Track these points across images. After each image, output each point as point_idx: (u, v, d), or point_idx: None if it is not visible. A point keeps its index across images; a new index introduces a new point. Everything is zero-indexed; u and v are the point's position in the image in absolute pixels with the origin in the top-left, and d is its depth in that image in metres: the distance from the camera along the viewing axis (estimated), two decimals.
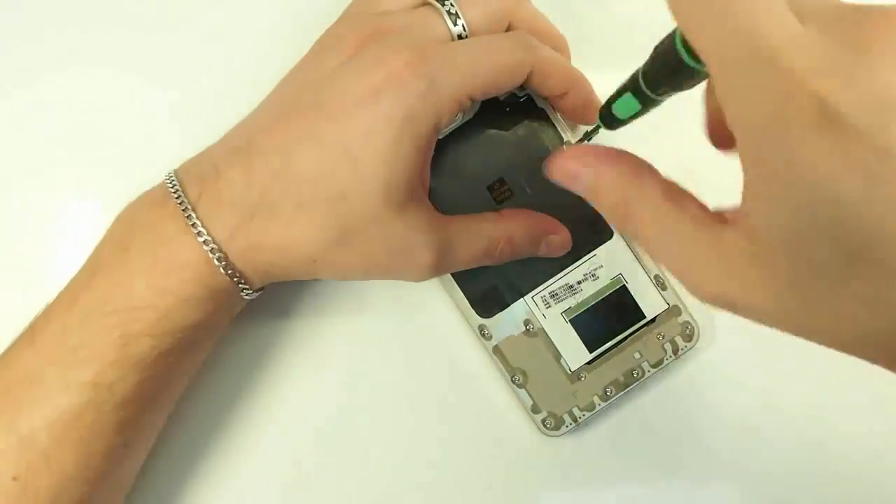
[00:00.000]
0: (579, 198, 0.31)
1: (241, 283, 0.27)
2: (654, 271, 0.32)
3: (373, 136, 0.25)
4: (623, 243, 0.32)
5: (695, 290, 0.20)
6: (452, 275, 0.31)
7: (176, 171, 0.27)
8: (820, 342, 0.19)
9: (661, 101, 0.23)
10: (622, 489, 0.33)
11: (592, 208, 0.31)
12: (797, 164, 0.16)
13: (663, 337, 0.32)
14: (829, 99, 0.16)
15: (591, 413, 0.31)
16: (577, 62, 0.30)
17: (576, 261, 0.31)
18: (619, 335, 0.31)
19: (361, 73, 0.25)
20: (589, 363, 0.31)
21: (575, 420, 0.31)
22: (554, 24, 0.30)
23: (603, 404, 0.31)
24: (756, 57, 0.17)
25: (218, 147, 0.28)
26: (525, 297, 0.31)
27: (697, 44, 0.18)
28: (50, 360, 0.26)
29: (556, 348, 0.31)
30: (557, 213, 0.30)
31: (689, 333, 0.31)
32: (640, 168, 0.22)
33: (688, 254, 0.20)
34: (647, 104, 0.23)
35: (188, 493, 0.32)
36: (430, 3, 0.27)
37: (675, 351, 0.31)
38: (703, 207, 0.20)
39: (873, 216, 0.16)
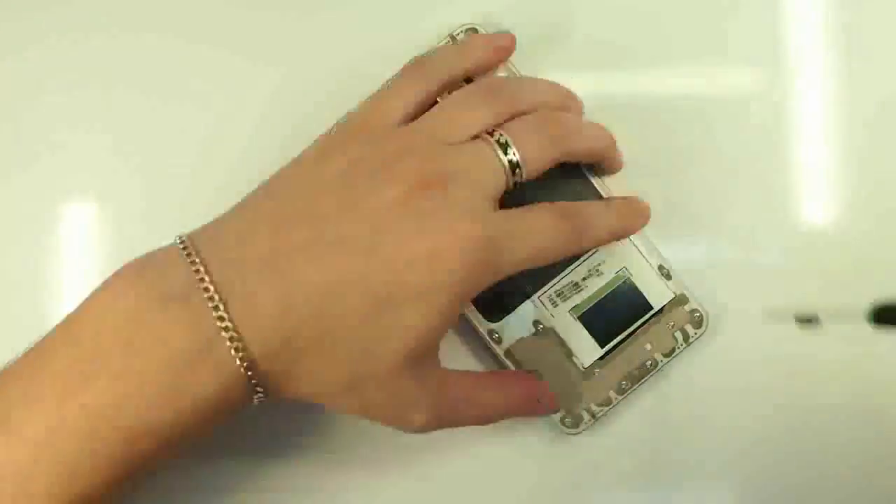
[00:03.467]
0: (580, 193, 0.31)
1: (259, 395, 0.25)
2: (658, 261, 0.32)
3: (424, 300, 0.25)
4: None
5: None
6: None
7: (195, 252, 0.24)
8: None
9: None
10: (645, 483, 0.32)
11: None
12: None
13: (673, 326, 0.32)
14: None
15: (608, 408, 0.31)
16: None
17: (578, 258, 0.32)
18: (628, 328, 0.31)
19: (425, 229, 0.25)
20: (601, 358, 0.31)
21: (593, 416, 0.31)
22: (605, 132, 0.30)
23: (619, 398, 0.31)
24: None
25: (239, 248, 0.25)
26: (532, 298, 0.31)
27: None
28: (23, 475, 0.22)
29: (567, 346, 0.31)
30: None
31: (697, 320, 0.32)
32: None
33: None
34: None
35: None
36: (483, 139, 0.27)
37: (686, 339, 0.32)
38: None
39: None
